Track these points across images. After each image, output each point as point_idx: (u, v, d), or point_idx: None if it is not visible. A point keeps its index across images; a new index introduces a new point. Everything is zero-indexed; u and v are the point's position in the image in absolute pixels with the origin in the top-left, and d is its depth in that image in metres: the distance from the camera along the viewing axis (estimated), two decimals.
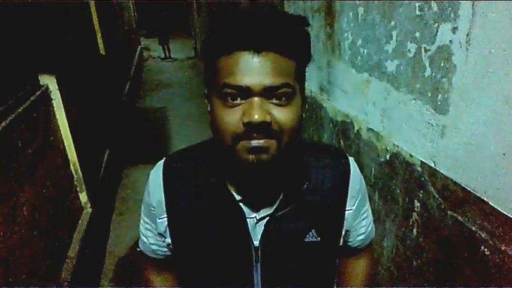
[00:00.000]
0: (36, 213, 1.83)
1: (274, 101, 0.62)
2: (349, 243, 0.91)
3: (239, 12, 0.67)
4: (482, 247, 1.17)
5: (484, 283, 1.19)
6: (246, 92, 0.61)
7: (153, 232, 0.85)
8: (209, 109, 0.69)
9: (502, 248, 1.10)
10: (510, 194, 1.07)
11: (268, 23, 0.62)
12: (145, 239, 0.88)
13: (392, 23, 1.51)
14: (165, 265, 0.93)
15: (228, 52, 0.61)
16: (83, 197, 2.59)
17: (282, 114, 0.63)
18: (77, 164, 2.46)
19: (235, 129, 0.62)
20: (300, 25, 0.67)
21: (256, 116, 0.59)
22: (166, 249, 0.87)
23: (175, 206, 0.79)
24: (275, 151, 0.63)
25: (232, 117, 0.62)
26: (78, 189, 2.53)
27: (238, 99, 0.62)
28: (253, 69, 0.60)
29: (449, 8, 1.19)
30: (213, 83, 0.66)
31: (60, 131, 2.32)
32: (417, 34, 1.36)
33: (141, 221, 0.88)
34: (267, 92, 0.61)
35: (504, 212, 1.08)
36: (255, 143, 0.62)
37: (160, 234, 0.83)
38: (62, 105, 2.28)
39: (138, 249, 0.93)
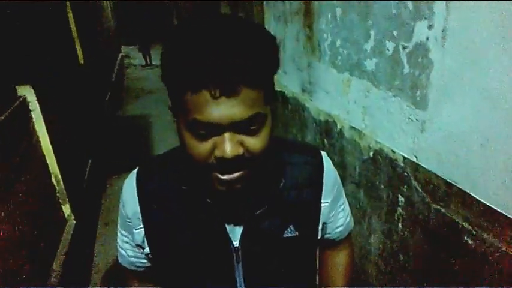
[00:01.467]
0: (18, 228, 1.78)
1: (245, 130, 0.61)
2: (328, 236, 0.92)
3: (201, 36, 0.59)
4: (466, 237, 1.19)
5: (469, 272, 1.21)
6: (216, 127, 0.59)
7: (130, 244, 0.84)
8: (176, 126, 0.67)
9: (484, 237, 1.13)
10: (489, 183, 1.09)
11: (236, 56, 0.56)
12: (123, 252, 0.87)
13: (370, 22, 1.53)
14: (147, 276, 0.91)
15: (195, 90, 0.57)
16: (66, 209, 2.53)
17: (254, 142, 0.62)
18: (59, 175, 2.41)
19: (206, 159, 0.61)
20: (269, 48, 0.62)
21: (228, 152, 0.59)
22: (145, 261, 0.85)
23: (151, 215, 0.77)
24: (248, 179, 0.64)
25: (203, 149, 0.61)
26: (60, 201, 2.48)
27: (209, 133, 0.60)
28: (222, 105, 0.57)
29: (425, 5, 1.22)
30: (180, 111, 0.63)
31: (40, 142, 2.27)
32: (395, 32, 1.39)
33: (118, 234, 0.86)
34: (238, 125, 0.60)
35: (484, 201, 1.11)
36: (227, 177, 0.62)
37: (139, 246, 0.82)
38: (41, 116, 2.23)
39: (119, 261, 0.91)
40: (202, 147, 0.61)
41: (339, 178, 0.88)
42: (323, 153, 0.85)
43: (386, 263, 1.71)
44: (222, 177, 0.63)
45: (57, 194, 2.44)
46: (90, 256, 2.90)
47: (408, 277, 1.55)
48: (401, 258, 1.58)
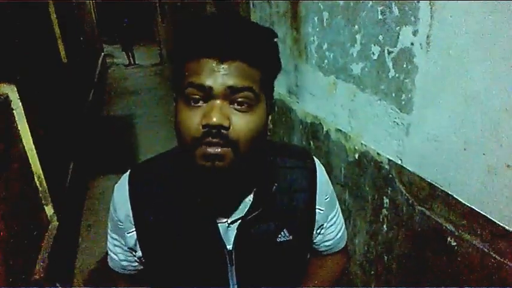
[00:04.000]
0: (0, 229, 1.75)
1: (236, 106, 0.63)
2: (316, 246, 0.92)
3: (207, 17, 0.68)
4: (449, 238, 1.23)
5: (452, 272, 1.24)
6: (208, 93, 0.62)
7: (122, 248, 0.83)
8: (174, 110, 0.70)
9: (467, 238, 1.16)
10: (470, 185, 1.13)
11: (236, 32, 0.63)
12: (114, 256, 0.86)
13: (356, 27, 1.56)
14: (137, 280, 0.91)
15: (195, 57, 0.63)
16: (49, 209, 2.49)
17: (242, 122, 0.63)
18: (42, 175, 2.37)
19: (194, 132, 0.63)
20: (268, 37, 0.68)
21: (214, 119, 0.60)
22: (137, 264, 0.85)
23: (143, 219, 0.77)
24: (230, 159, 0.64)
25: (193, 120, 0.63)
26: (43, 201, 2.44)
27: (201, 102, 0.63)
28: (217, 72, 0.62)
29: (410, 12, 1.25)
30: (179, 84, 0.66)
31: (22, 141, 2.23)
32: (380, 37, 1.42)
33: (109, 237, 0.86)
34: (229, 95, 0.62)
35: (467, 204, 1.14)
36: (210, 150, 0.63)
37: (131, 249, 0.82)
38: (24, 115, 2.19)
39: (109, 265, 0.90)
40: (192, 118, 0.63)
41: (331, 188, 0.89)
42: (315, 158, 0.87)
43: (371, 264, 1.74)
44: (206, 151, 0.63)
45: (40, 195, 2.40)
46: (73, 257, 2.85)
47: (393, 278, 1.58)
48: (386, 259, 1.61)
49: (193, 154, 0.64)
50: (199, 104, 0.63)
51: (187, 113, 0.63)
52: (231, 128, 0.62)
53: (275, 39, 0.70)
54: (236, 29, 0.63)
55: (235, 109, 0.63)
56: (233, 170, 0.66)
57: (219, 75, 0.61)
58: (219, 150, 0.62)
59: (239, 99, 0.63)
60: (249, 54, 0.63)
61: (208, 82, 0.61)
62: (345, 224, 1.71)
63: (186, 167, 0.74)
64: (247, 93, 0.63)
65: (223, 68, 0.61)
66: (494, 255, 1.07)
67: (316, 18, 1.89)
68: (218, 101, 0.62)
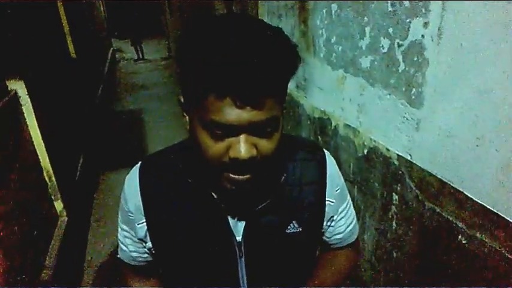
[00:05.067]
0: (9, 224, 1.76)
1: (260, 133, 0.62)
2: (326, 239, 0.91)
3: (225, 40, 0.58)
4: (460, 236, 1.20)
5: (462, 270, 1.22)
6: (233, 129, 0.60)
7: (132, 239, 0.84)
8: (189, 125, 0.68)
9: (478, 236, 1.13)
10: (483, 183, 1.10)
11: (263, 68, 0.56)
12: (124, 247, 0.86)
13: (366, 19, 1.52)
14: (147, 272, 0.91)
15: (219, 95, 0.58)
16: (59, 204, 2.51)
17: (267, 145, 0.63)
18: (51, 170, 2.39)
19: (220, 159, 0.63)
20: (292, 58, 0.62)
21: (243, 153, 0.60)
22: (147, 255, 0.85)
23: (154, 210, 0.78)
24: (257, 180, 0.66)
25: (218, 149, 0.62)
26: (53, 197, 2.45)
27: (225, 133, 0.61)
28: (242, 110, 0.59)
29: (421, 3, 1.21)
30: (197, 110, 0.63)
31: (31, 137, 2.24)
32: (390, 30, 1.38)
33: (119, 229, 0.86)
34: (254, 127, 0.61)
35: (478, 201, 1.11)
36: (238, 178, 0.64)
37: (141, 240, 0.81)
38: (33, 111, 2.20)
39: (118, 256, 0.91)
40: (217, 147, 0.62)
41: (342, 180, 0.88)
42: (325, 151, 0.86)
43: (380, 260, 1.71)
44: (234, 177, 0.64)
45: (49, 190, 2.42)
46: (82, 252, 2.88)
47: (402, 275, 1.56)
48: (395, 256, 1.58)
49: (219, 176, 0.65)
50: (224, 135, 0.61)
51: (211, 142, 0.62)
52: (257, 154, 0.62)
53: (298, 55, 0.64)
54: (262, 62, 0.56)
55: (260, 135, 0.62)
56: (256, 185, 0.67)
57: (245, 113, 0.59)
58: (247, 176, 0.64)
59: (264, 129, 0.62)
60: (275, 89, 0.61)
61: (234, 121, 0.59)
62: (356, 230, 1.69)
63: (206, 175, 0.73)
64: (272, 122, 0.62)
65: (248, 105, 0.58)
66: (507, 255, 1.04)
67: (324, 11, 1.86)
68: (244, 135, 0.61)
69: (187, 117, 0.69)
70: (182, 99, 0.69)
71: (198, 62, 0.59)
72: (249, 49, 0.56)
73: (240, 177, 0.64)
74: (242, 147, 0.60)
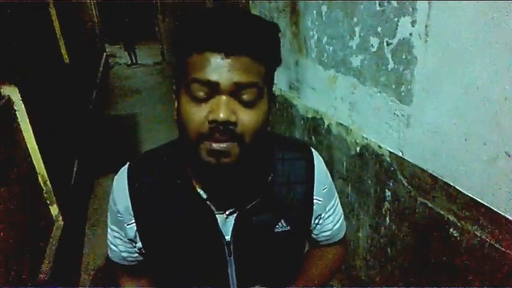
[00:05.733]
0: (5, 229, 1.76)
1: (241, 101, 0.63)
2: (314, 237, 0.92)
3: (210, 11, 0.67)
4: (451, 229, 1.22)
5: (455, 263, 1.24)
6: (213, 89, 0.61)
7: (122, 239, 0.84)
8: (176, 105, 0.69)
9: (469, 228, 1.16)
10: (472, 176, 1.12)
11: (241, 26, 0.62)
12: (114, 248, 0.87)
13: (355, 19, 1.55)
14: (139, 271, 0.92)
15: (200, 51, 0.62)
16: (54, 209, 2.50)
17: (248, 117, 0.63)
18: (46, 175, 2.38)
19: (199, 127, 0.62)
20: (272, 31, 0.68)
21: (221, 115, 0.60)
22: (137, 255, 0.86)
23: (142, 210, 0.78)
24: (236, 154, 0.64)
25: (198, 115, 0.62)
26: (48, 201, 2.45)
27: (206, 97, 0.62)
28: (222, 67, 0.61)
29: (407, 3, 1.24)
30: (182, 78, 0.66)
31: (25, 142, 2.24)
32: (379, 29, 1.41)
33: (109, 229, 0.86)
34: (235, 90, 0.62)
35: (468, 194, 1.14)
36: (216, 146, 0.62)
37: (131, 240, 0.82)
38: (27, 116, 2.20)
39: (109, 256, 0.91)
40: (198, 112, 0.63)
41: (330, 179, 0.89)
42: (313, 150, 0.87)
43: (375, 256, 1.73)
44: (211, 147, 0.63)
45: (45, 195, 2.41)
46: (78, 256, 2.88)
47: (396, 270, 1.58)
48: (389, 252, 1.60)
49: (198, 149, 0.64)
50: (204, 99, 0.63)
51: (192, 108, 0.63)
52: (237, 123, 0.62)
53: (279, 34, 0.70)
54: (241, 23, 0.63)
55: (241, 104, 0.63)
56: (237, 166, 0.66)
57: (225, 71, 0.60)
58: (225, 145, 0.62)
59: (245, 95, 0.63)
60: (254, 49, 0.63)
61: (214, 77, 0.60)
62: (348, 217, 1.71)
63: (188, 161, 0.74)
64: (253, 89, 0.63)
65: (228, 62, 0.60)
66: (496, 246, 1.07)
67: (315, 12, 1.88)
68: (224, 97, 0.61)
69: (176, 103, 0.70)
70: (174, 87, 0.71)
71: (182, 25, 0.66)
72: (228, 12, 0.65)
73: (219, 145, 0.62)
74: (221, 108, 0.61)
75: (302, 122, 2.27)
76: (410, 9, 1.23)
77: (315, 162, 0.84)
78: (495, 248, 1.07)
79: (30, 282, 1.95)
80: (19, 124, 2.19)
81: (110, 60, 11.90)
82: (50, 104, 3.02)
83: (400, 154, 1.43)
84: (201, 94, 0.62)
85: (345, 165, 1.86)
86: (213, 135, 0.62)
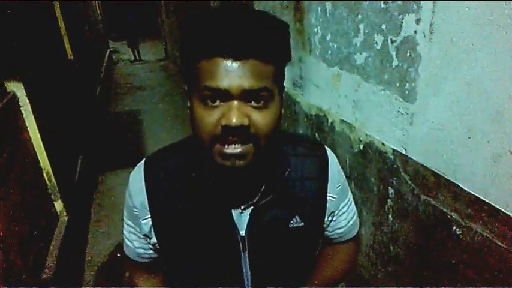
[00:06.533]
0: (10, 224, 1.78)
1: (252, 104, 0.63)
2: (328, 234, 0.93)
3: (216, 12, 0.66)
4: (455, 227, 1.22)
5: (458, 261, 1.24)
6: (225, 95, 0.62)
7: (137, 235, 0.85)
8: (189, 105, 0.70)
9: (472, 226, 1.16)
10: (475, 174, 1.12)
11: (248, 30, 0.61)
12: (130, 243, 0.88)
13: (359, 16, 1.55)
14: (153, 268, 0.93)
15: (209, 56, 0.62)
16: (58, 205, 2.52)
17: (260, 118, 0.63)
18: (50, 171, 2.40)
19: (212, 130, 0.63)
20: (280, 29, 0.67)
21: (234, 120, 0.60)
22: (152, 251, 0.87)
23: (158, 206, 0.79)
24: (251, 156, 0.64)
25: (211, 119, 0.63)
26: (52, 197, 2.47)
27: (218, 101, 0.63)
28: (232, 73, 0.61)
29: (412, 1, 1.24)
30: (193, 83, 0.66)
31: (30, 138, 2.26)
32: (383, 26, 1.41)
33: (124, 225, 0.87)
34: (246, 95, 0.62)
35: (472, 192, 1.14)
36: (230, 149, 0.63)
37: (146, 236, 0.83)
38: (31, 112, 2.21)
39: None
40: (210, 117, 0.63)
41: (344, 177, 0.89)
42: (327, 148, 0.87)
43: (377, 254, 1.74)
44: (226, 150, 0.63)
45: (49, 190, 2.43)
46: (82, 252, 2.89)
47: (399, 267, 1.59)
48: (392, 249, 1.61)
49: (211, 150, 0.64)
50: (216, 104, 0.63)
51: (204, 112, 0.63)
52: (250, 125, 0.63)
53: (287, 31, 0.69)
54: (248, 26, 0.62)
55: (253, 106, 0.63)
56: (252, 168, 0.66)
57: (235, 77, 0.61)
58: (240, 149, 0.63)
59: (256, 98, 0.63)
60: (264, 51, 0.62)
61: (225, 85, 0.61)
62: (357, 224, 1.70)
63: (202, 162, 0.74)
64: (263, 93, 0.63)
65: (238, 67, 0.61)
66: (499, 243, 1.07)
67: (319, 9, 1.88)
68: (236, 102, 0.62)
69: (189, 102, 0.70)
70: (186, 88, 0.71)
71: (188, 29, 0.65)
72: (233, 13, 0.64)
73: (232, 148, 0.63)
74: (233, 113, 0.61)
75: (305, 119, 2.27)
76: (415, 7, 1.23)
77: (329, 160, 0.85)
78: (498, 245, 1.07)
79: (34, 277, 1.97)
80: (24, 120, 2.21)
81: (113, 57, 11.93)
82: (55, 101, 3.03)
83: (403, 152, 1.43)
84: (212, 100, 0.63)
85: (348, 162, 1.86)
86: (227, 138, 0.62)
